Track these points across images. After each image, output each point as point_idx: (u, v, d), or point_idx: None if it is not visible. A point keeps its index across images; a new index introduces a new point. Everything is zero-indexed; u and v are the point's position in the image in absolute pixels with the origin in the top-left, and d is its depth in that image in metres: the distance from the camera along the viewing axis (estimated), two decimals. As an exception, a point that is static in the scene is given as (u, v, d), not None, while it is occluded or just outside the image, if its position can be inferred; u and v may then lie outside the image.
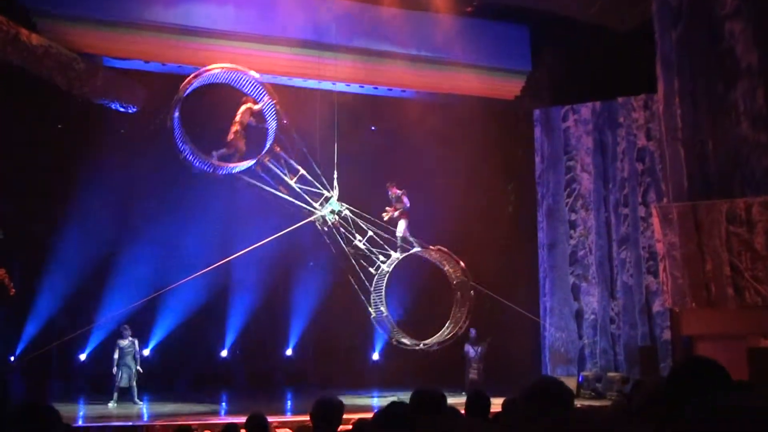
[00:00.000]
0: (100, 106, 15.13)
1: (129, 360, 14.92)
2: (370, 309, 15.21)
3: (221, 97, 14.70)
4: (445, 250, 15.37)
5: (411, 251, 15.13)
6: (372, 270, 15.22)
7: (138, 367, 15.05)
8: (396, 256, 15.14)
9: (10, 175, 14.38)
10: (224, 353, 18.72)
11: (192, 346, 18.30)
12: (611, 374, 16.19)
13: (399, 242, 15.20)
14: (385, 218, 15.06)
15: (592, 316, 17.17)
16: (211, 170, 14.09)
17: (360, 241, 14.98)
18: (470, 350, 16.99)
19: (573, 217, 17.57)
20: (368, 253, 15.17)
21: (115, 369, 14.80)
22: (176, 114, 13.53)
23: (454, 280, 15.69)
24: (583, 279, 17.37)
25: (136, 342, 15.28)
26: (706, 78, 14.72)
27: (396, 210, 15.09)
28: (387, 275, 15.05)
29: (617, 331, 16.91)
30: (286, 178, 14.41)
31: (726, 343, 13.71)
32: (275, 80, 15.90)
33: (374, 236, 15.08)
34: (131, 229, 16.85)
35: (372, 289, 15.17)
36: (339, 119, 15.18)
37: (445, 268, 15.78)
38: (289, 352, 19.25)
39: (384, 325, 15.50)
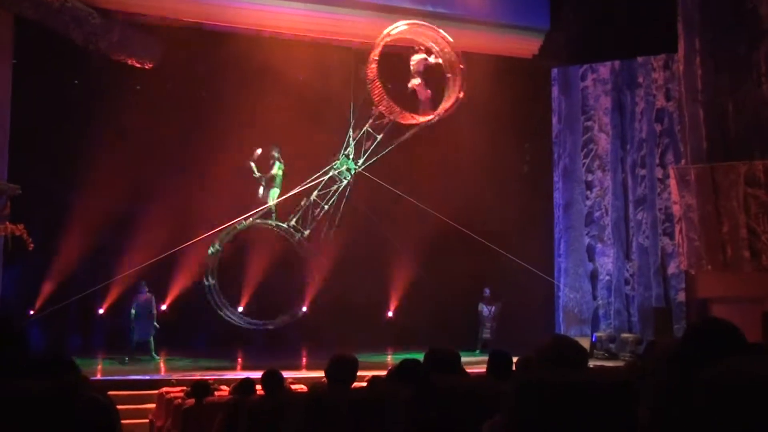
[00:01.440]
0: (117, 62, 15.10)
1: (146, 315, 15.08)
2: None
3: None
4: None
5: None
6: None
7: (155, 323, 15.22)
8: None
9: (27, 131, 14.42)
10: (240, 310, 18.85)
11: (209, 303, 18.44)
12: (625, 335, 16.23)
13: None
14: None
15: (607, 277, 17.17)
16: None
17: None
18: (484, 309, 17.09)
19: (589, 177, 17.47)
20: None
21: (132, 324, 14.97)
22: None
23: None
24: (598, 240, 17.34)
25: (153, 298, 15.43)
26: (729, 38, 14.50)
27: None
28: None
29: (632, 292, 16.91)
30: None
31: (741, 306, 13.69)
32: (290, 38, 15.83)
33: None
34: (149, 185, 16.88)
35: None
36: (353, 77, 15.09)
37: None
38: (304, 308, 19.36)
39: None
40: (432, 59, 14.34)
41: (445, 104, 14.41)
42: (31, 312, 16.35)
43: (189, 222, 16.47)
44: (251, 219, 14.94)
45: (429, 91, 14.44)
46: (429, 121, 14.36)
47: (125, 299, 16.26)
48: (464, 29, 16.42)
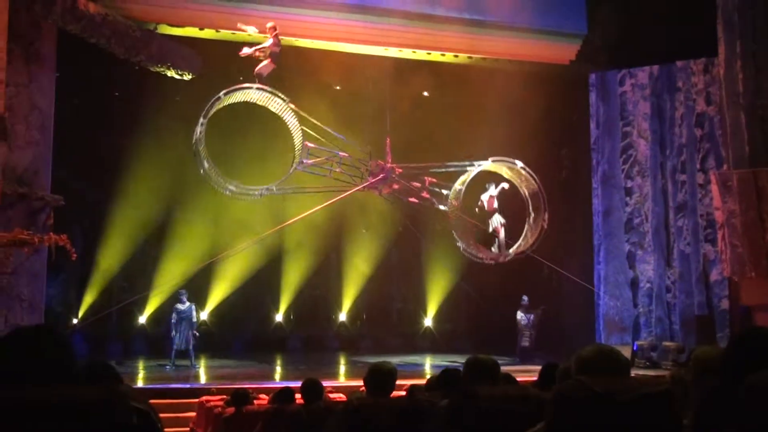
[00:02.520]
0: (156, 74, 15.30)
1: (186, 324, 15.23)
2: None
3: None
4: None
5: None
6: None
7: (195, 331, 15.36)
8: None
9: (69, 143, 14.68)
10: (279, 318, 19.00)
11: (247, 311, 18.63)
12: (667, 343, 16.01)
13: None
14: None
15: (648, 285, 16.95)
16: None
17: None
18: (523, 317, 16.96)
19: (629, 183, 17.28)
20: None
21: (173, 332, 15.13)
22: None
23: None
24: (638, 247, 17.13)
25: (194, 307, 15.59)
26: (770, 40, 14.27)
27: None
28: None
29: (673, 299, 16.67)
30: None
31: (786, 313, 13.44)
32: (328, 46, 15.93)
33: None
34: (188, 194, 17.09)
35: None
36: (391, 85, 15.14)
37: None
38: (342, 317, 19.44)
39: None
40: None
41: (528, 240, 15.35)
42: (75, 321, 16.61)
43: (228, 231, 16.65)
44: None
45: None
46: (502, 259, 15.42)
47: (166, 308, 16.41)
48: (500, 36, 16.45)
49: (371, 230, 18.83)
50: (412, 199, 15.12)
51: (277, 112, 14.44)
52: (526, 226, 15.54)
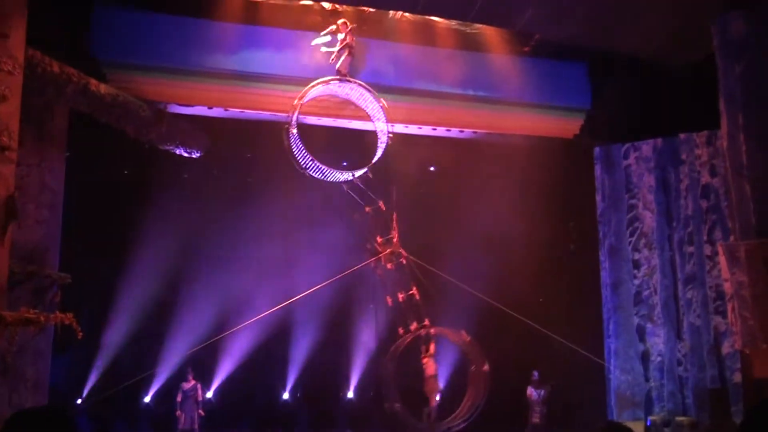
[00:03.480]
0: (165, 152, 15.49)
1: (192, 403, 15.06)
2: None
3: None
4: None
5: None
6: None
7: (200, 410, 15.17)
8: None
9: (77, 221, 14.77)
10: (286, 395, 18.76)
11: (253, 388, 18.40)
12: (680, 418, 15.73)
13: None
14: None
15: (659, 358, 16.72)
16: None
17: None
18: (533, 393, 16.75)
19: (636, 256, 17.22)
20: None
21: (178, 412, 14.96)
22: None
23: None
24: (648, 319, 16.96)
25: (199, 385, 15.42)
26: (772, 112, 14.40)
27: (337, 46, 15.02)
28: None
29: (685, 373, 16.40)
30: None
31: (799, 386, 13.22)
32: (335, 123, 16.14)
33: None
34: (194, 272, 17.11)
35: None
36: (398, 160, 15.29)
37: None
38: (350, 394, 19.19)
39: None
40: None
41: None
42: (79, 401, 16.43)
43: (233, 308, 16.59)
44: None
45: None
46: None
47: (171, 386, 16.27)
48: (505, 111, 16.65)
49: (378, 303, 18.74)
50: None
51: (360, 105, 14.81)
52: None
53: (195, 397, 15.51)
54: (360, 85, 14.91)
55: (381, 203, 14.94)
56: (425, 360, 15.79)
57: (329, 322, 18.66)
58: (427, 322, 15.61)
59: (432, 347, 15.70)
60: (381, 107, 15.06)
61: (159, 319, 17.35)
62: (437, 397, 15.52)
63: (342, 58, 14.74)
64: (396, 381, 15.02)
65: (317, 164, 14.78)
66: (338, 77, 14.93)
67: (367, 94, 14.98)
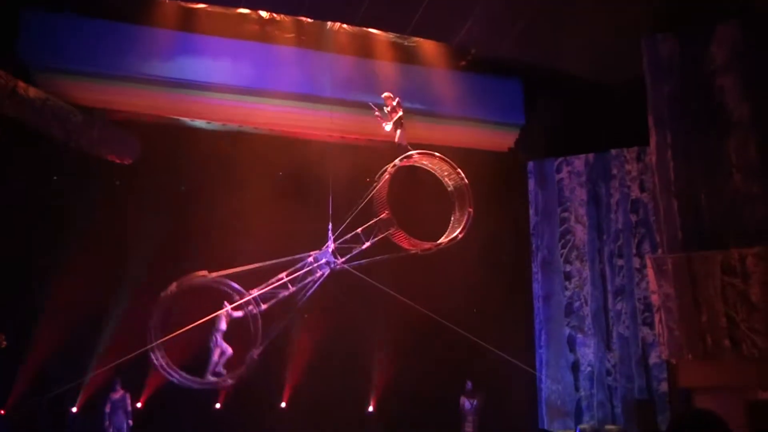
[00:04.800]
0: (96, 158, 15.13)
1: (121, 414, 14.74)
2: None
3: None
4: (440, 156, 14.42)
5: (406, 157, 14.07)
6: None
7: (130, 420, 14.86)
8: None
9: (5, 226, 14.31)
10: (217, 405, 18.41)
11: (187, 398, 17.97)
12: (609, 427, 15.98)
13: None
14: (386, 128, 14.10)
15: (589, 368, 16.99)
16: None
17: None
18: (466, 403, 16.80)
19: (568, 268, 17.50)
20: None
21: (106, 423, 14.63)
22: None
23: (450, 186, 14.76)
24: (578, 330, 17.23)
25: (128, 395, 15.10)
26: (699, 131, 14.77)
27: (390, 120, 14.07)
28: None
29: (614, 383, 16.72)
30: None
31: (724, 395, 13.51)
32: (269, 133, 15.99)
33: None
34: (125, 281, 16.69)
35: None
36: (333, 171, 15.19)
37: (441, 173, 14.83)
38: (283, 404, 18.95)
39: None
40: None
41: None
42: (2, 412, 15.88)
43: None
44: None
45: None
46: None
47: (99, 397, 15.90)
48: (439, 124, 16.72)
49: (312, 315, 18.56)
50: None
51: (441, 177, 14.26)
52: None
53: (124, 407, 15.17)
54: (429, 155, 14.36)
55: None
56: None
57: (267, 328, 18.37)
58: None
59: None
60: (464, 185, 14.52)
61: (87, 328, 16.80)
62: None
63: (399, 132, 14.22)
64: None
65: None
66: (412, 152, 14.27)
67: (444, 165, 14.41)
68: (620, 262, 17.02)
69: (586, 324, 17.18)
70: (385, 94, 14.13)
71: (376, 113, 13.84)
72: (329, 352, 18.21)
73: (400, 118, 13.97)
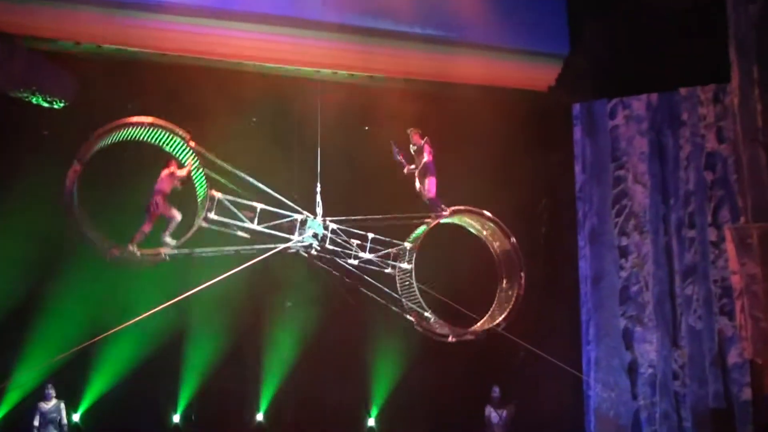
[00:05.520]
0: (19, 100, 15.06)
1: (52, 428, 14.99)
2: (409, 317, 15.13)
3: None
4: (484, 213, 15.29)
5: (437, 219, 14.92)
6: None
7: (65, 435, 15.04)
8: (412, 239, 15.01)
9: None
10: (176, 418, 18.51)
11: (135, 410, 18.05)
12: (675, 445, 16.05)
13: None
14: (405, 172, 14.75)
15: (650, 370, 17.06)
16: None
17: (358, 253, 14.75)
18: (492, 414, 16.87)
19: (624, 241, 17.52)
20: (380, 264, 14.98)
21: (35, 437, 14.79)
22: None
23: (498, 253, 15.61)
24: (637, 322, 17.29)
25: (63, 405, 15.17)
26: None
27: (413, 165, 14.63)
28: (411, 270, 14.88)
29: (682, 389, 16.81)
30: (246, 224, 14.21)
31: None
32: (241, 66, 15.93)
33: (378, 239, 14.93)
34: (58, 258, 16.65)
35: (400, 293, 15.04)
36: (322, 116, 15.11)
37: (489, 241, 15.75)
38: (260, 417, 19.05)
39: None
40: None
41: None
42: None
43: (107, 307, 16.21)
44: None
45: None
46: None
47: (27, 406, 16.08)
48: (461, 55, 16.57)
49: (297, 304, 18.58)
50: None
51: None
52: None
53: (58, 420, 15.36)
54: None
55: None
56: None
57: (236, 327, 18.43)
58: None
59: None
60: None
61: (13, 322, 16.88)
62: None
63: (427, 182, 14.51)
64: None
65: None
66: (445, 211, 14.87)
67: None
68: (691, 233, 17.02)
69: (647, 314, 17.25)
70: (410, 129, 14.61)
71: (396, 153, 14.45)
72: (319, 350, 18.25)
73: (426, 164, 14.31)
